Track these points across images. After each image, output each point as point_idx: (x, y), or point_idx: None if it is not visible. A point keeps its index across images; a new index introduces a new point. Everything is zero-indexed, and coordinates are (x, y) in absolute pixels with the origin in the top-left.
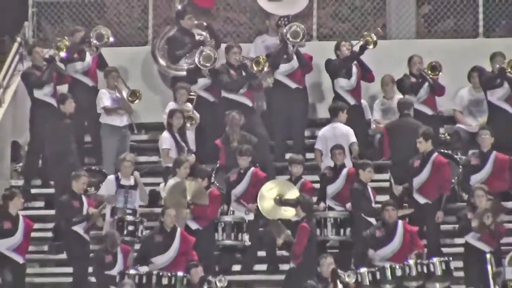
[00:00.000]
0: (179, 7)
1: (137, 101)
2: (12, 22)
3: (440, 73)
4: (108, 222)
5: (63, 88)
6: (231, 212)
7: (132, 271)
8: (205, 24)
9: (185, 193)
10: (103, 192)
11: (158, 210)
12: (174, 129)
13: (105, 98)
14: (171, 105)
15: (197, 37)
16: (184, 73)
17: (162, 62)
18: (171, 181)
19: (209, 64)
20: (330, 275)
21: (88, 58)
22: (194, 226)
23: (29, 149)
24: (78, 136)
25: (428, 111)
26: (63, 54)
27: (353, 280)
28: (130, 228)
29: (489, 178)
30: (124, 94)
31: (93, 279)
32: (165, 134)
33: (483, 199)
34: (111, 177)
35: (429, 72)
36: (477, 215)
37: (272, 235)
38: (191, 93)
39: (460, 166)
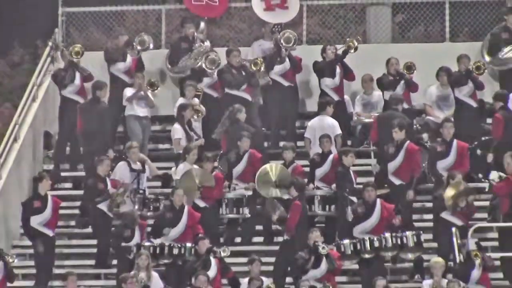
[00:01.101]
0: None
1: (156, 90)
2: (44, 29)
3: (414, 72)
4: (129, 202)
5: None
6: (233, 189)
7: (147, 243)
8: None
9: (194, 179)
10: (117, 176)
11: (169, 190)
12: (184, 121)
13: (128, 92)
14: (181, 100)
15: (197, 44)
16: (182, 75)
17: (168, 65)
18: (181, 166)
19: (214, 67)
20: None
21: (129, 59)
22: (201, 204)
23: (58, 138)
24: (113, 125)
25: (404, 105)
26: (79, 56)
27: (331, 250)
28: (156, 204)
29: (454, 164)
30: (149, 93)
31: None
32: (177, 126)
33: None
34: (122, 163)
35: (405, 71)
36: (451, 195)
37: (268, 213)
38: (198, 90)
39: (429, 152)
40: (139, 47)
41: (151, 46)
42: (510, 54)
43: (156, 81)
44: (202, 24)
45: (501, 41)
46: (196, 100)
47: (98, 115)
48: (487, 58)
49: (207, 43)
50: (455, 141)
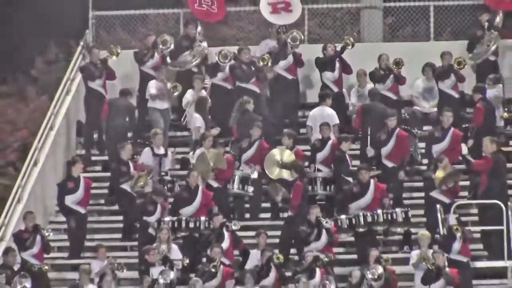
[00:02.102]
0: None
1: (176, 93)
2: (76, 30)
3: (402, 67)
4: (150, 183)
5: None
6: (241, 170)
7: (167, 219)
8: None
9: (209, 162)
10: (144, 160)
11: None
12: (205, 111)
13: (151, 87)
14: (190, 92)
15: (197, 43)
16: (179, 69)
17: (168, 60)
18: (198, 151)
19: (226, 61)
20: (315, 222)
21: (156, 56)
22: (215, 184)
23: (85, 126)
24: (141, 116)
25: (393, 96)
26: (114, 57)
27: (332, 224)
28: (169, 185)
29: (447, 149)
30: (169, 85)
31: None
32: (197, 115)
33: (447, 165)
34: (147, 149)
35: (394, 66)
36: (441, 177)
37: (272, 196)
38: (205, 83)
39: (417, 138)
40: (161, 46)
41: (172, 45)
42: (481, 48)
43: (179, 86)
44: (199, 27)
45: (476, 38)
46: (204, 92)
47: (123, 110)
48: (469, 55)
49: (205, 44)
50: (451, 129)
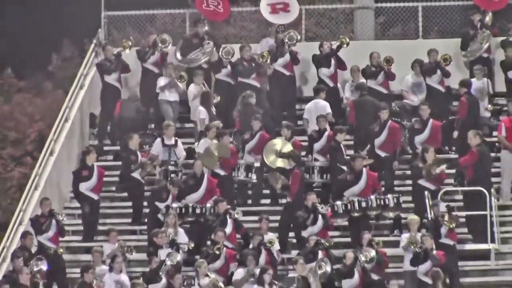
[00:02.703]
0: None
1: (184, 81)
2: (90, 29)
3: (392, 64)
4: (158, 170)
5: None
6: (245, 159)
7: (174, 205)
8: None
9: (214, 152)
10: (154, 150)
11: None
12: (209, 104)
13: (161, 81)
14: (192, 86)
15: (206, 42)
16: (188, 65)
17: (178, 56)
18: (202, 141)
19: (229, 57)
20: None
21: (156, 54)
22: (221, 172)
23: (100, 118)
24: (145, 110)
25: (384, 91)
26: (127, 51)
27: (327, 210)
28: (173, 175)
29: (428, 139)
30: (176, 80)
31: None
32: (202, 108)
33: (431, 155)
34: (158, 140)
35: (385, 63)
36: (426, 166)
37: (272, 184)
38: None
39: (406, 130)
40: (160, 45)
41: (170, 45)
42: (475, 46)
43: (185, 74)
44: (206, 26)
45: (469, 37)
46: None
47: (133, 108)
48: (463, 52)
49: (211, 43)
50: (430, 120)
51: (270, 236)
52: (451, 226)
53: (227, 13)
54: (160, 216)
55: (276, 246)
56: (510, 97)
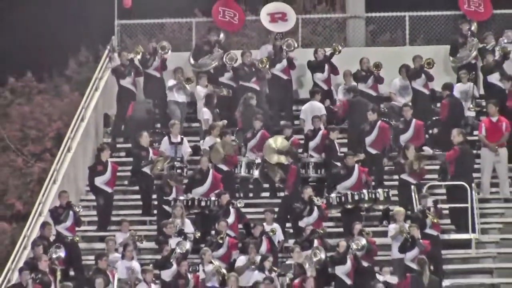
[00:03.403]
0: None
1: (191, 83)
2: (104, 36)
3: (381, 69)
4: (166, 167)
5: (140, 79)
6: (247, 156)
7: (181, 197)
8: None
9: (220, 150)
10: (162, 147)
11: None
12: (212, 105)
13: (169, 83)
14: (198, 87)
15: (216, 49)
16: (199, 70)
17: (191, 61)
18: (207, 139)
19: (233, 62)
20: (308, 200)
21: (157, 60)
22: (224, 168)
23: (115, 117)
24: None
25: (373, 93)
26: (139, 56)
27: (322, 203)
28: (179, 171)
29: (412, 137)
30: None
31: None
32: (205, 109)
33: (412, 152)
34: (165, 138)
35: (374, 68)
36: (408, 162)
37: (271, 176)
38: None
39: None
40: (160, 51)
41: (170, 51)
42: (464, 53)
43: (192, 77)
44: (222, 34)
45: (458, 45)
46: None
47: (143, 109)
48: (451, 58)
49: (221, 50)
50: (414, 120)
51: (275, 226)
52: (435, 220)
53: (241, 25)
54: (167, 208)
55: (280, 236)
56: (489, 99)
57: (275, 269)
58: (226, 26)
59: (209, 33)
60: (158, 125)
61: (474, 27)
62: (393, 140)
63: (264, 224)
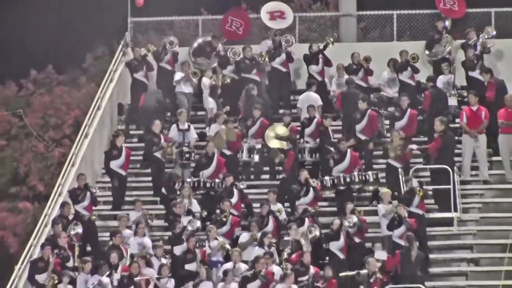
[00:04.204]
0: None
1: (198, 77)
2: (118, 32)
3: (370, 62)
4: (175, 152)
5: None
6: (248, 142)
7: (188, 180)
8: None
9: (223, 136)
10: (171, 133)
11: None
12: (216, 95)
13: (177, 76)
14: (204, 79)
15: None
16: (199, 67)
17: (191, 57)
18: (213, 126)
19: (236, 57)
20: (304, 182)
21: (169, 54)
22: (228, 152)
23: (129, 107)
24: (163, 102)
25: (364, 85)
26: (150, 52)
27: (317, 184)
28: (187, 155)
29: (405, 125)
30: (191, 74)
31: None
32: (210, 99)
33: (396, 138)
34: (174, 125)
35: (364, 61)
36: (391, 148)
37: (272, 157)
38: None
39: (383, 117)
40: (168, 46)
41: (177, 45)
42: (439, 48)
43: (198, 71)
44: (221, 46)
45: (433, 41)
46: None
47: (154, 99)
48: (427, 52)
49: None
50: (409, 110)
51: (278, 206)
52: (421, 194)
53: (244, 35)
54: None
55: (284, 215)
56: (470, 90)
57: (274, 244)
58: (231, 36)
59: (213, 38)
60: (169, 114)
61: (448, 24)
62: (384, 127)
63: (279, 205)
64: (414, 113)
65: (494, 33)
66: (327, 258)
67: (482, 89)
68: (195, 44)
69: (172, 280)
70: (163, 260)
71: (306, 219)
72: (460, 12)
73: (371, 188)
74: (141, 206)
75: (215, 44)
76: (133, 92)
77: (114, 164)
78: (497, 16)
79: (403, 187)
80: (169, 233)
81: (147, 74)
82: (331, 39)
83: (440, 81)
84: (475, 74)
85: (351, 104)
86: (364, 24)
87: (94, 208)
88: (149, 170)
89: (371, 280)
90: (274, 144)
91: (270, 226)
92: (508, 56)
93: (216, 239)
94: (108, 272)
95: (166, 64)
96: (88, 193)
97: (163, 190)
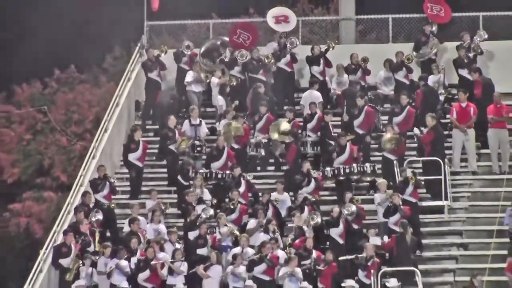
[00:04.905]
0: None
1: (208, 80)
2: (135, 35)
3: (368, 63)
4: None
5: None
6: (255, 137)
7: (201, 171)
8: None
9: (231, 131)
10: (184, 128)
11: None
12: (225, 93)
13: (188, 77)
14: (213, 79)
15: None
16: (207, 68)
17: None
18: (223, 121)
19: (243, 58)
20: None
21: (187, 56)
22: (236, 146)
23: (145, 104)
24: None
25: (362, 83)
26: (163, 54)
27: (319, 175)
28: (199, 148)
29: (402, 120)
30: (202, 75)
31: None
32: (220, 96)
33: (390, 132)
34: (186, 120)
35: (362, 62)
36: (383, 141)
37: (273, 150)
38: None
39: (379, 113)
40: (186, 50)
41: (190, 50)
42: (426, 50)
43: (210, 73)
44: (228, 53)
45: (420, 43)
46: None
47: (169, 97)
48: (414, 53)
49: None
50: (407, 107)
51: (285, 195)
52: (414, 181)
53: (250, 47)
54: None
55: (288, 203)
56: (461, 88)
57: (278, 231)
58: (237, 47)
59: (222, 45)
60: (184, 110)
61: (435, 28)
62: (378, 122)
63: (275, 193)
64: (412, 111)
65: (486, 36)
66: (327, 243)
67: (471, 87)
68: (205, 47)
69: (185, 264)
70: (177, 245)
71: (306, 207)
72: (446, 17)
73: (368, 178)
74: (157, 195)
75: (222, 51)
76: (147, 90)
77: (132, 157)
78: (485, 20)
79: (398, 177)
80: (182, 220)
81: (160, 74)
82: (332, 44)
83: (430, 80)
84: (464, 72)
85: (351, 101)
86: (362, 27)
87: (113, 197)
88: (164, 162)
89: (369, 264)
90: (277, 138)
91: (269, 213)
92: (498, 56)
93: (226, 225)
94: (126, 256)
95: (184, 65)
96: (108, 183)
97: (179, 178)
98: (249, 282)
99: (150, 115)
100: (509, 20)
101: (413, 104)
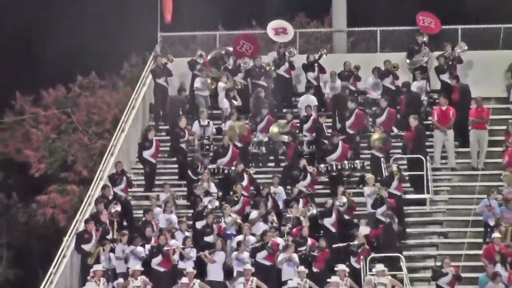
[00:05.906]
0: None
1: (215, 83)
2: (149, 45)
3: (359, 70)
4: (196, 144)
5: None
6: (257, 137)
7: (209, 166)
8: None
9: (236, 131)
10: (194, 129)
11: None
12: (230, 96)
13: (196, 82)
14: (220, 84)
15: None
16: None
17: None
18: (228, 122)
19: (246, 66)
20: (303, 168)
21: (200, 64)
22: (239, 144)
23: (154, 107)
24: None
25: (353, 88)
26: (169, 63)
27: (314, 170)
28: (207, 147)
29: (384, 121)
30: (208, 81)
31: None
32: (225, 100)
33: (378, 131)
34: (196, 122)
35: (354, 69)
36: (371, 140)
37: (275, 148)
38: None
39: (368, 115)
40: (198, 59)
41: (204, 58)
42: (418, 58)
43: (217, 79)
44: (232, 61)
45: (413, 51)
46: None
47: (178, 100)
48: (407, 61)
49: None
50: (387, 109)
51: (277, 189)
52: (399, 175)
53: (253, 55)
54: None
55: (283, 196)
56: (441, 93)
57: (276, 221)
58: (240, 56)
59: (226, 53)
60: (194, 112)
61: (426, 38)
62: (367, 123)
63: (272, 186)
64: (392, 111)
65: (466, 47)
66: (321, 231)
67: (450, 91)
68: (211, 55)
69: (194, 250)
70: (187, 233)
71: (301, 199)
72: (436, 29)
73: (358, 174)
74: (169, 188)
75: (226, 60)
76: (155, 94)
77: (146, 154)
78: (463, 32)
79: (384, 173)
80: (191, 211)
81: (167, 80)
82: (325, 51)
83: (414, 86)
84: (445, 77)
85: (342, 104)
86: (353, 38)
87: (129, 190)
88: (175, 159)
89: (359, 250)
90: (277, 137)
91: (268, 205)
92: (476, 65)
93: (230, 215)
94: (141, 243)
95: (198, 72)
96: (125, 177)
97: (189, 172)
98: (248, 266)
99: (159, 116)
100: (487, 32)
101: (398, 107)
